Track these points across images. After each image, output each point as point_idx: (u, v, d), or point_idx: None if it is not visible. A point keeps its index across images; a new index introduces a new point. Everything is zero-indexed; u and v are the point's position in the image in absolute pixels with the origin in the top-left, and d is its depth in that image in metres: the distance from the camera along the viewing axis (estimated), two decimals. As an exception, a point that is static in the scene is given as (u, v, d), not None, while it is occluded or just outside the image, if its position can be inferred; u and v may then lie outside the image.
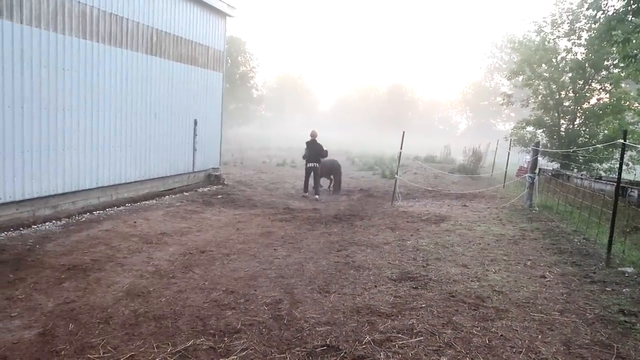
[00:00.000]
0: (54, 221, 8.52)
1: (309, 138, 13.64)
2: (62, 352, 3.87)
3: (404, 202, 12.63)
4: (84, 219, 8.92)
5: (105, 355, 3.84)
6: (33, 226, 8.08)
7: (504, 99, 21.92)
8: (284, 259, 6.70)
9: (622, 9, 12.09)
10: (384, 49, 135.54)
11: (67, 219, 8.75)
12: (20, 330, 4.26)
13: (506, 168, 18.32)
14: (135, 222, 8.77)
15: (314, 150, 13.42)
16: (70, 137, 9.07)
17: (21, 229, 7.87)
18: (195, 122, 13.24)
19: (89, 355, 3.83)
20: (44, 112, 8.44)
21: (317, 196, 13.16)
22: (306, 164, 13.56)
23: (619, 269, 6.53)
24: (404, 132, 12.35)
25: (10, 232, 7.63)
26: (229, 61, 40.75)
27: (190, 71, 12.80)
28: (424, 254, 7.14)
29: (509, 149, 19.71)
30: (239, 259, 6.63)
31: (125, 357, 3.82)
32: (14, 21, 7.74)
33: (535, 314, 4.88)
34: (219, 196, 12.30)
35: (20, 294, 5.08)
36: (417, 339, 4.23)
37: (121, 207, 10.11)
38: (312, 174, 13.54)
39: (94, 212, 9.43)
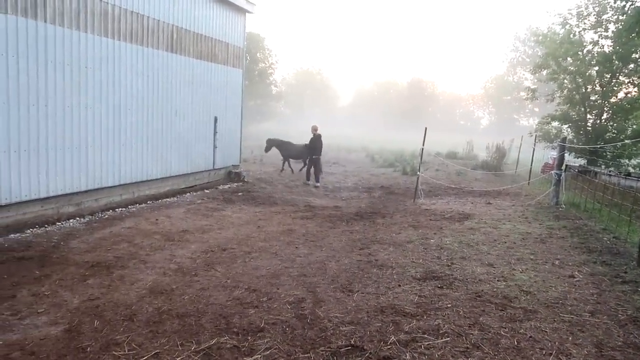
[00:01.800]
0: (77, 218, 8.66)
1: (311, 134, 15.35)
2: (88, 349, 3.92)
3: (426, 199, 12.51)
4: (106, 216, 9.05)
5: (130, 352, 3.87)
6: (57, 223, 8.23)
7: (527, 94, 21.54)
8: (305, 257, 6.69)
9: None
10: (404, 43, 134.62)
11: (90, 216, 8.88)
12: (47, 326, 4.33)
13: (531, 164, 18.01)
14: (157, 219, 8.86)
15: (319, 144, 15.22)
16: (93, 135, 9.20)
17: (46, 226, 8.01)
18: (216, 119, 13.31)
19: (114, 352, 3.86)
20: (67, 110, 8.57)
21: (318, 183, 14.85)
22: (311, 156, 15.28)
23: (652, 268, 6.35)
24: (426, 128, 12.23)
25: (35, 229, 7.77)
26: (248, 58, 40.90)
27: (210, 68, 12.87)
28: (448, 252, 7.05)
29: (534, 145, 19.38)
30: (260, 257, 6.64)
31: (149, 354, 3.84)
32: (38, 20, 7.86)
33: (565, 315, 4.77)
34: (240, 193, 12.35)
35: (46, 290, 5.17)
36: (444, 339, 4.17)
37: (143, 205, 10.22)
38: (314, 164, 15.14)
39: (117, 210, 9.56)
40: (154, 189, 11.13)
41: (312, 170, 15.22)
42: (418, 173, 13.11)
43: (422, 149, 12.66)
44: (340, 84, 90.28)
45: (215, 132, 13.35)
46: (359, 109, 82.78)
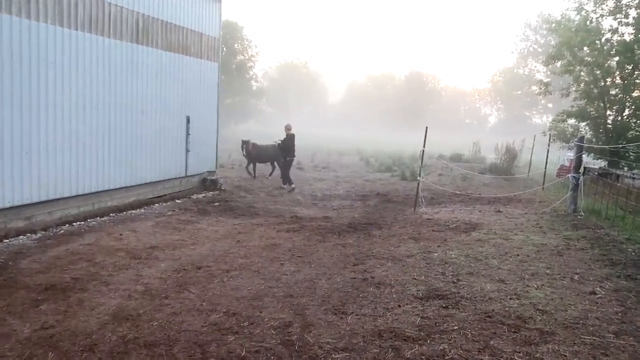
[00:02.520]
0: (28, 234, 8.55)
1: (285, 134, 16.23)
2: (41, 386, 3.86)
3: (428, 208, 12.57)
4: (62, 231, 8.96)
5: (91, 388, 3.82)
6: (5, 240, 8.12)
7: (540, 88, 21.82)
8: (292, 275, 6.67)
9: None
10: (401, 32, 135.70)
11: (43, 232, 8.78)
12: (-7, 360, 4.26)
13: (545, 167, 18.19)
14: (121, 234, 8.79)
15: (292, 144, 16.07)
16: (47, 138, 9.11)
17: (-8, 243, 7.91)
18: (188, 120, 13.27)
19: (71, 389, 3.81)
20: (16, 111, 8.48)
21: (285, 186, 15.67)
22: (286, 158, 16.11)
23: (682, 282, 6.42)
24: (427, 128, 12.30)
25: (-21, 248, 7.67)
26: (224, 49, 40.93)
27: (181, 61, 12.84)
28: (454, 267, 7.08)
29: (548, 145, 19.58)
30: (240, 276, 6.61)
31: (113, 390, 3.80)
32: (-18, 7, 7.80)
33: (586, 337, 4.80)
34: (216, 203, 12.32)
35: (-8, 318, 5.09)
36: (450, 367, 4.18)
37: (105, 218, 10.14)
38: (288, 166, 16.14)
39: (74, 224, 9.47)
40: (117, 200, 11.05)
41: (286, 171, 15.99)
42: (419, 178, 13.17)
43: (423, 151, 12.73)
44: (330, 79, 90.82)
45: (187, 134, 13.31)
46: (351, 106, 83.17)
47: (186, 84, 13.16)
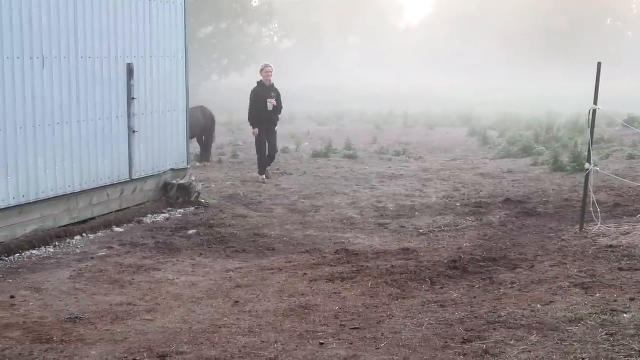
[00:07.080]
0: None
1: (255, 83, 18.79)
2: None
3: (608, 223, 12.33)
4: None
5: None
6: None
7: None
8: (343, 367, 6.65)
9: None
10: None
11: None
12: None
13: None
14: (13, 296, 8.91)
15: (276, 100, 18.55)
16: None
17: None
18: (130, 71, 13.32)
19: None
20: None
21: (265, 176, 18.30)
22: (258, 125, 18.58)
23: None
24: (599, 65, 12.06)
25: None
26: None
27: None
28: (668, 343, 6.93)
29: None
30: (243, 371, 6.63)
31: None
32: None
33: None
34: (191, 231, 12.43)
35: None
36: None
37: (-20, 266, 10.32)
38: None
39: None
40: (4, 230, 11.18)
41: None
42: (588, 166, 12.90)
43: (595, 111, 12.45)
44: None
45: (131, 98, 13.34)
46: (444, 32, 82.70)
47: (124, 3, 13.20)
